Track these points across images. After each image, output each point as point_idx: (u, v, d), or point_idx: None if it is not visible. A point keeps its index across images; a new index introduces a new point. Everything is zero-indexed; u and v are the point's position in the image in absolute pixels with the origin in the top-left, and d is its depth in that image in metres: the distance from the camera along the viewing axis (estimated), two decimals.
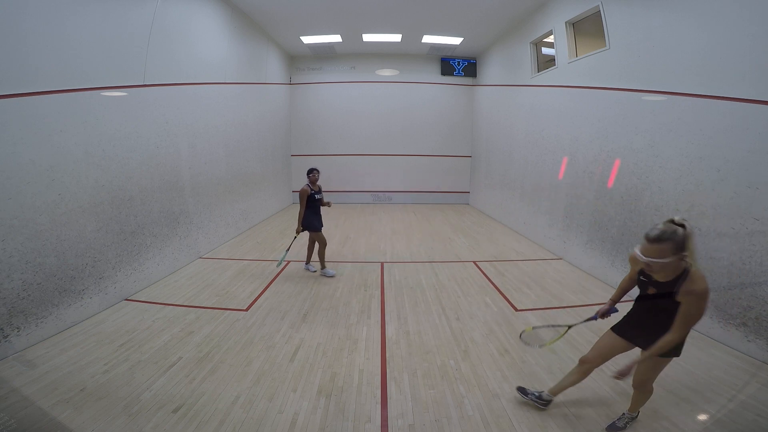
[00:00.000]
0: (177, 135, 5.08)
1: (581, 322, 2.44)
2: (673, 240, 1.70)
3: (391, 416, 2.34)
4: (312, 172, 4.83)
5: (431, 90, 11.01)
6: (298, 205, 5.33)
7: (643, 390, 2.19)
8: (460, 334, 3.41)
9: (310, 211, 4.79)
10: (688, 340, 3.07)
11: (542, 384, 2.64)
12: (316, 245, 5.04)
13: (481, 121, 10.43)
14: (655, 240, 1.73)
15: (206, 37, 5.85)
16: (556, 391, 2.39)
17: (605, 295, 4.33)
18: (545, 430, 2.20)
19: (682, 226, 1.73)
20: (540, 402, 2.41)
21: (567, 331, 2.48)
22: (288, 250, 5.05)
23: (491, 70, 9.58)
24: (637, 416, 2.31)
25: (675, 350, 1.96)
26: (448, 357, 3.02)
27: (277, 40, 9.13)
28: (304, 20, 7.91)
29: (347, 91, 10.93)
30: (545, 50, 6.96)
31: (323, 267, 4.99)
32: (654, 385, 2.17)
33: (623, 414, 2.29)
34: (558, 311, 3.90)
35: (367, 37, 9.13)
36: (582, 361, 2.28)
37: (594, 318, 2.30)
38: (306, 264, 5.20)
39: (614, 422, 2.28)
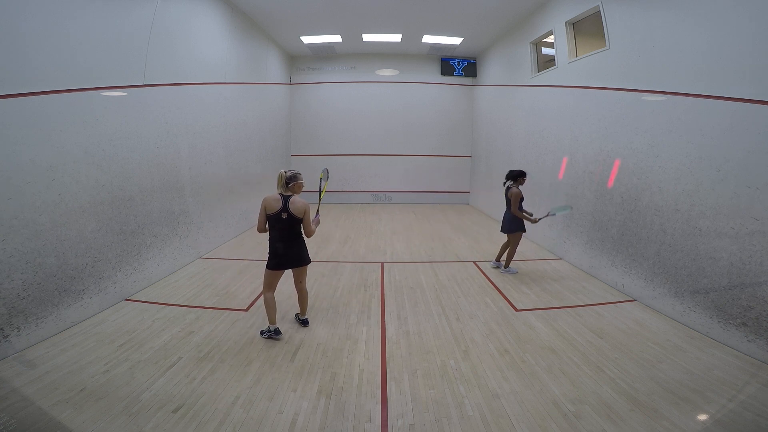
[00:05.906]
0: (177, 135, 5.08)
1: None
2: None
3: (391, 416, 2.34)
4: (525, 176, 4.99)
5: (431, 90, 11.01)
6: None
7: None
8: (460, 334, 3.41)
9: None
10: (688, 339, 3.21)
11: (542, 383, 2.66)
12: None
13: (481, 121, 10.43)
14: None
15: (206, 37, 5.85)
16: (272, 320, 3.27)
17: (605, 295, 4.33)
18: (545, 430, 2.20)
19: None
20: (275, 334, 3.25)
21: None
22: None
23: (491, 70, 9.58)
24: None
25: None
26: (448, 357, 3.02)
27: (277, 40, 9.13)
28: (304, 20, 7.91)
29: (347, 91, 10.93)
30: (545, 50, 6.96)
31: (507, 266, 5.18)
32: (654, 384, 2.56)
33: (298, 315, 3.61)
34: (558, 311, 3.89)
35: (367, 37, 9.13)
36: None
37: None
38: (496, 262, 5.33)
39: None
